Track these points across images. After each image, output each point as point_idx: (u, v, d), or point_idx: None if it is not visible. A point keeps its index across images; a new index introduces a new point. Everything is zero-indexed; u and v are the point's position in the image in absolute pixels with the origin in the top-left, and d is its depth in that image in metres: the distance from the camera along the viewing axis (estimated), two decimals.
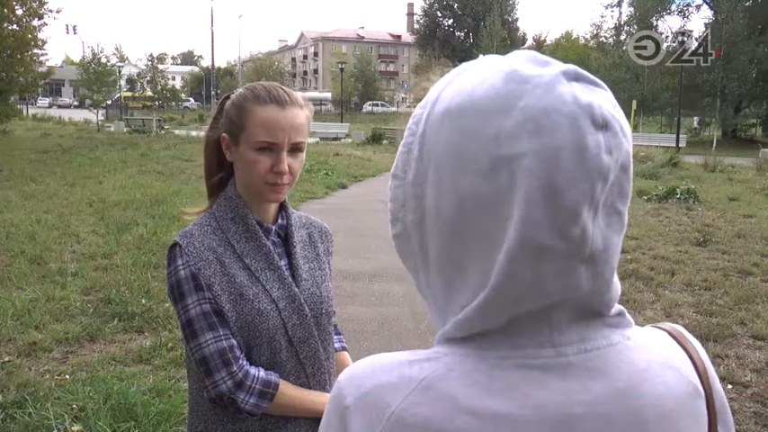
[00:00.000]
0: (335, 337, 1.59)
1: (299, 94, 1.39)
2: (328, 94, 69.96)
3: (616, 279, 0.61)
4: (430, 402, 0.56)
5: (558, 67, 0.57)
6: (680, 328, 0.70)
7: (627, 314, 0.63)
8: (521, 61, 0.58)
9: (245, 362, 1.32)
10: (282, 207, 1.47)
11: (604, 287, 0.59)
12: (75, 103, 66.41)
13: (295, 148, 1.36)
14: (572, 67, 0.57)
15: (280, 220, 1.46)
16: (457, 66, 0.64)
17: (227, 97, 1.42)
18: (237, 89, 1.42)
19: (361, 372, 0.61)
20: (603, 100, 0.56)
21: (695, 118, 37.37)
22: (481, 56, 0.63)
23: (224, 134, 1.39)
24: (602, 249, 0.56)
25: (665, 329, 0.69)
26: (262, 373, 1.33)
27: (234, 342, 1.31)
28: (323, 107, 62.29)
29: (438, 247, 0.60)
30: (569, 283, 0.56)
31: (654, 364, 0.62)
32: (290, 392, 1.36)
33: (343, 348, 1.65)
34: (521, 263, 0.55)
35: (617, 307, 0.62)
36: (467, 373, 0.57)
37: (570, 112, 0.54)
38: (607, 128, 0.55)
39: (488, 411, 0.55)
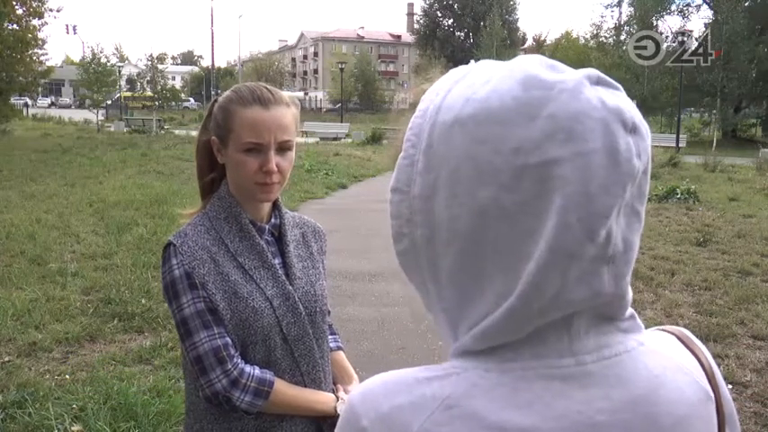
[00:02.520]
0: (330, 336, 1.59)
1: (285, 93, 1.39)
2: (300, 93, 69.20)
3: None
4: (455, 421, 0.54)
5: (580, 71, 0.56)
6: (685, 330, 0.70)
7: (637, 317, 0.62)
8: (536, 66, 0.56)
9: (239, 360, 1.32)
10: (276, 206, 1.48)
11: (624, 289, 0.58)
12: (60, 101, 66.06)
13: (283, 147, 1.36)
14: (593, 70, 0.56)
15: (273, 220, 1.46)
16: (451, 68, 0.62)
17: (216, 100, 1.43)
18: (226, 91, 1.43)
19: (377, 391, 0.58)
20: (628, 103, 0.55)
21: (712, 117, 37.00)
22: (473, 61, 0.61)
23: (213, 137, 1.40)
24: (623, 250, 0.56)
25: (672, 333, 0.69)
26: (257, 371, 1.33)
27: (228, 340, 1.32)
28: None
29: (452, 259, 0.58)
30: (593, 286, 0.55)
31: (668, 369, 0.61)
32: (285, 390, 1.36)
33: (339, 348, 1.65)
34: (550, 271, 0.53)
35: (629, 310, 0.61)
36: (491, 388, 0.55)
37: (601, 116, 0.53)
38: (636, 131, 0.54)
39: (514, 426, 0.54)
